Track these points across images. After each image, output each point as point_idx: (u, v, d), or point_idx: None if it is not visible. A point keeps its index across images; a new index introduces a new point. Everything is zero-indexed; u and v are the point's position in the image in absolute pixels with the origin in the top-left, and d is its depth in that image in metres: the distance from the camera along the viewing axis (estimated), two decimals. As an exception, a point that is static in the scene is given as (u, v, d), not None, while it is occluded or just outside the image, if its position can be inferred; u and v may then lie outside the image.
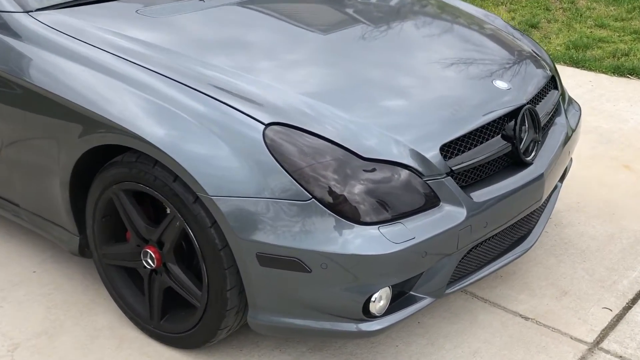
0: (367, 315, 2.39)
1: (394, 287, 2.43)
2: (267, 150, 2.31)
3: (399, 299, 2.50)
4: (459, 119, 2.58)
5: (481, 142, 2.60)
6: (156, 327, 2.72)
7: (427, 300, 2.52)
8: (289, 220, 2.29)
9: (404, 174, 2.39)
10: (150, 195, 2.53)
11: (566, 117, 3.15)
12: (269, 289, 2.39)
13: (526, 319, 2.91)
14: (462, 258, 2.56)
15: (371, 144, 2.39)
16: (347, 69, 2.77)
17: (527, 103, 2.77)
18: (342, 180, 2.32)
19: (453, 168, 2.47)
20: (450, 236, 2.42)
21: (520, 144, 2.70)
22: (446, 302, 3.00)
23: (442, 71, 2.85)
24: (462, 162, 2.51)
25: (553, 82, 3.21)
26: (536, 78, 3.01)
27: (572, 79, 5.40)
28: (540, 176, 2.73)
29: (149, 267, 2.63)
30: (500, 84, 2.79)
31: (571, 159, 3.55)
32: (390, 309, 2.45)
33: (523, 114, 2.70)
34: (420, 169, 2.41)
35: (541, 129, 2.81)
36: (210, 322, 2.53)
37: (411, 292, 2.51)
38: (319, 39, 2.97)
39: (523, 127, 2.72)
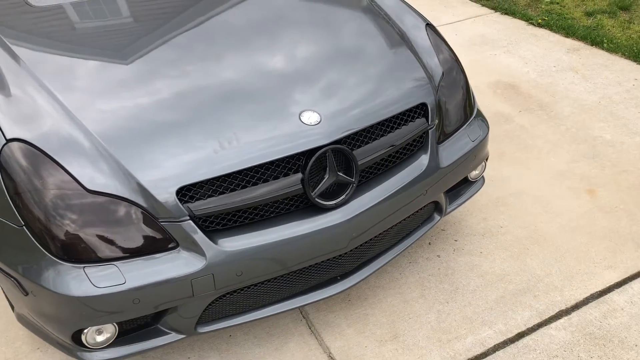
0: (82, 345, 2.40)
1: (133, 320, 2.42)
2: None
3: (146, 328, 2.46)
4: (219, 158, 2.33)
5: (249, 185, 2.37)
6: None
7: (172, 336, 2.47)
8: (9, 241, 2.31)
9: (130, 212, 2.27)
10: None
11: (434, 154, 2.74)
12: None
13: (331, 360, 2.73)
14: (213, 302, 2.43)
15: (101, 177, 2.27)
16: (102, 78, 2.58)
17: (338, 141, 2.45)
18: (57, 212, 2.24)
19: (195, 212, 2.30)
20: (179, 284, 2.30)
21: (316, 188, 2.43)
22: (275, 317, 2.86)
23: (233, 89, 2.55)
24: (210, 206, 2.31)
25: (422, 109, 2.75)
26: (389, 105, 2.62)
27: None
28: (341, 224, 2.46)
29: None
30: (308, 117, 2.47)
31: (482, 178, 3.14)
32: (124, 341, 2.44)
33: (321, 156, 2.40)
34: (151, 210, 2.28)
35: (357, 171, 2.48)
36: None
37: (158, 326, 2.45)
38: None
39: (328, 168, 2.45)
